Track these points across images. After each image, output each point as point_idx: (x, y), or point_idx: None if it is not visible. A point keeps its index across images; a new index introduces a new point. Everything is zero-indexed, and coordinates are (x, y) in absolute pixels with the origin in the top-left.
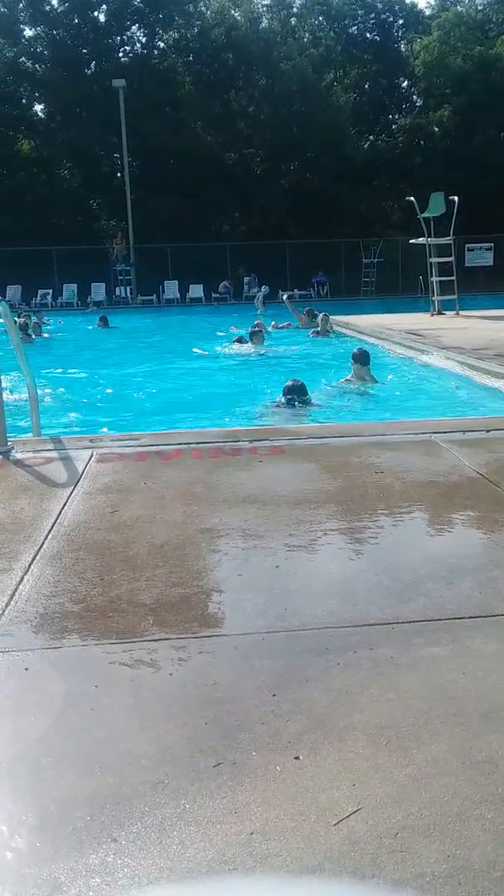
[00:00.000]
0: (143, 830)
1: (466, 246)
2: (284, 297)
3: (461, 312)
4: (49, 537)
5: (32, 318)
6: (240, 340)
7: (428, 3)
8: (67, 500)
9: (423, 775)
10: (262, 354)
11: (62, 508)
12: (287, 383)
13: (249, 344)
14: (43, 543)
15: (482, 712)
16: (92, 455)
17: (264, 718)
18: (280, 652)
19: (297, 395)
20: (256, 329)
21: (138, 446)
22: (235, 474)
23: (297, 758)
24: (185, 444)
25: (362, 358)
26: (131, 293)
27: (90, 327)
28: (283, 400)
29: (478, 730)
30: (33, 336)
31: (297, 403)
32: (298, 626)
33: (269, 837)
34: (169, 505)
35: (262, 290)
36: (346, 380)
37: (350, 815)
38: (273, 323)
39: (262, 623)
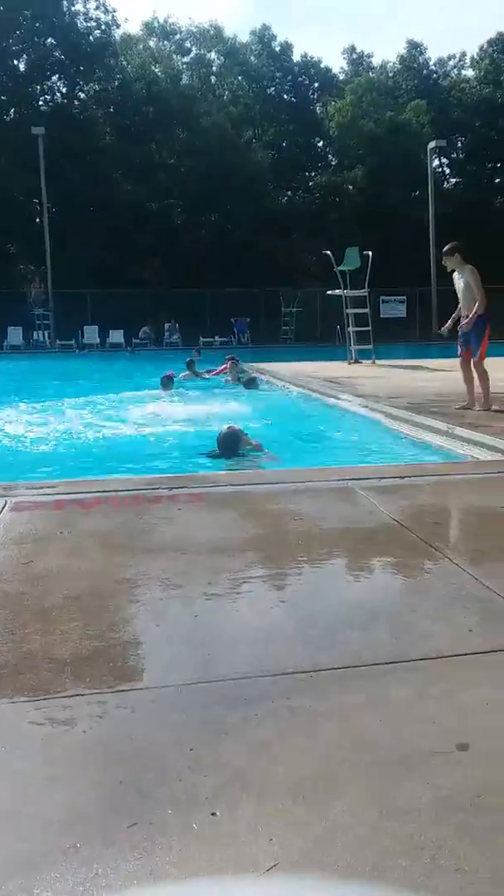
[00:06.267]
0: None
1: (381, 298)
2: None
3: (377, 361)
4: None
5: None
6: (169, 378)
7: (342, 68)
8: None
9: (340, 826)
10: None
11: None
12: (223, 429)
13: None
14: None
15: (398, 759)
16: (6, 504)
17: (181, 774)
18: (198, 704)
19: (229, 445)
20: (169, 375)
21: (55, 494)
22: (155, 522)
23: (214, 814)
24: (104, 492)
25: None
26: (49, 337)
27: None
28: (216, 450)
29: (394, 777)
30: None
31: (230, 455)
32: (217, 677)
33: None
34: (86, 555)
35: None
36: None
37: (267, 872)
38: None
39: (180, 675)
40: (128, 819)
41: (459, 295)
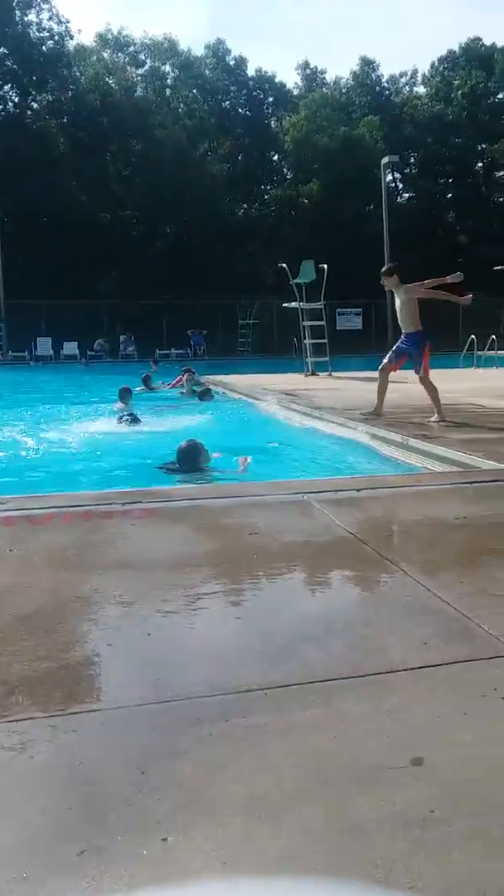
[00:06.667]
0: None
1: (337, 310)
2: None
3: (334, 373)
4: None
5: None
6: (127, 390)
7: (296, 83)
8: None
9: (295, 845)
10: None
11: None
12: (182, 443)
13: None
14: None
15: (353, 775)
16: None
17: (132, 798)
18: (150, 725)
19: (189, 458)
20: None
21: (5, 510)
22: (108, 538)
23: (165, 839)
24: (57, 507)
25: None
26: (1, 349)
27: None
28: (175, 464)
29: (349, 793)
30: None
31: (190, 469)
32: (170, 696)
33: None
34: (37, 572)
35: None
36: None
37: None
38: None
39: (132, 695)
40: (77, 846)
41: (398, 313)
